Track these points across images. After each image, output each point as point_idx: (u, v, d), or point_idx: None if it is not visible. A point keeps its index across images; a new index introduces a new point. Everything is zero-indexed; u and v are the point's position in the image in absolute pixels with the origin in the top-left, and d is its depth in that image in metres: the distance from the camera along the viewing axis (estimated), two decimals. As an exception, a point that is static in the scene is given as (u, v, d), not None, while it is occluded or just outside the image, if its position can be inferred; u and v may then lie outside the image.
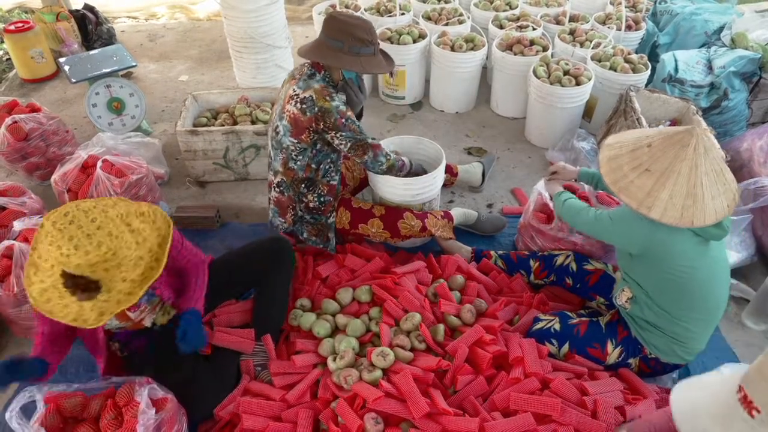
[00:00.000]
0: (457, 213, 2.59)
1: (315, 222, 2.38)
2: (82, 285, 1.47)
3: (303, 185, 2.28)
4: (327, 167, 2.27)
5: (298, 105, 2.08)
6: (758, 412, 0.97)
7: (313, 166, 2.23)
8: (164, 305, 1.86)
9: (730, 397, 1.06)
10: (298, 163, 2.21)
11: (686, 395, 1.21)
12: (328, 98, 2.07)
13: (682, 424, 1.14)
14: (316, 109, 2.06)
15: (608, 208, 2.04)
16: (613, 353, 1.96)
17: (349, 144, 2.14)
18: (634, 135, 1.75)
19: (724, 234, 1.73)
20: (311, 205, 2.33)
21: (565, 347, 2.00)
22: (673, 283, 1.76)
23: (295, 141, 2.15)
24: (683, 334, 1.83)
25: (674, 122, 3.05)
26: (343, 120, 2.09)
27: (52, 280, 1.46)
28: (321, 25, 3.92)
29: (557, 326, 2.02)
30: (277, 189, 2.33)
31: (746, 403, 1.00)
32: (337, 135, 2.11)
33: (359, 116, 2.40)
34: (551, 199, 2.27)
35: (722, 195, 1.64)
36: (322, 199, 2.33)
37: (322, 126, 2.09)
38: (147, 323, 1.83)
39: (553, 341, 2.01)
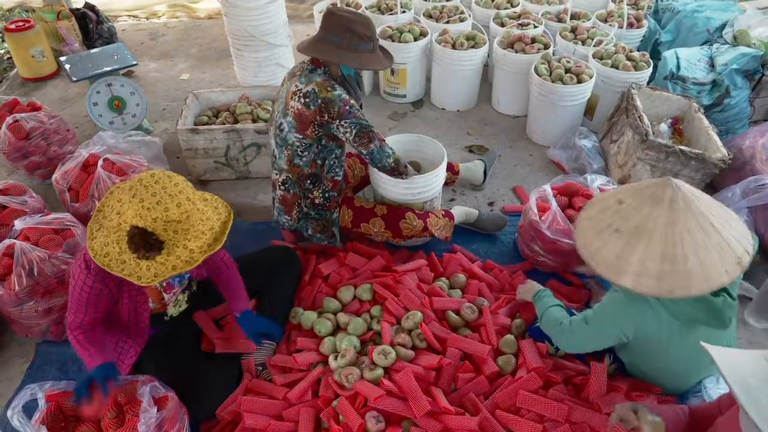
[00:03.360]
0: (458, 212, 2.58)
1: (320, 218, 2.38)
2: (145, 244, 1.55)
3: (308, 181, 2.28)
4: (332, 163, 2.27)
5: (302, 100, 2.08)
6: None
7: (318, 162, 2.23)
8: (186, 290, 1.98)
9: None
10: (304, 159, 2.21)
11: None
12: (330, 88, 2.07)
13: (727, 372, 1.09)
14: (320, 100, 2.06)
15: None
16: (609, 367, 1.91)
17: (354, 131, 2.11)
18: (609, 193, 1.57)
19: (720, 324, 1.51)
20: (317, 201, 2.33)
21: (562, 352, 1.99)
22: (643, 348, 1.73)
23: (300, 137, 2.15)
24: (678, 373, 1.83)
25: (676, 120, 3.05)
26: (347, 107, 2.09)
27: (116, 237, 1.55)
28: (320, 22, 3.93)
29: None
30: (282, 187, 2.33)
31: None
32: (342, 123, 2.10)
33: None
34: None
35: (717, 258, 1.37)
36: (326, 195, 2.32)
37: (326, 117, 2.09)
38: (170, 309, 1.93)
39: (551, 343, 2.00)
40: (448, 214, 2.49)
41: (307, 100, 2.07)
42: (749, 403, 1.02)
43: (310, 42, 2.15)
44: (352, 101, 2.13)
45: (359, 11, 2.18)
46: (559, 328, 1.82)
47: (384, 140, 2.21)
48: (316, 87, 2.07)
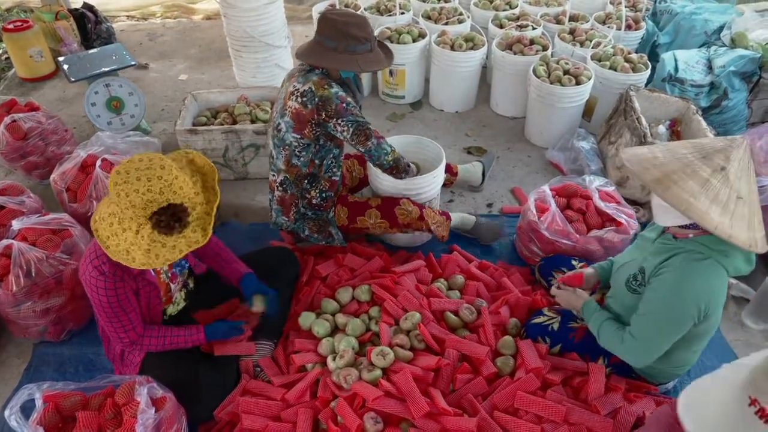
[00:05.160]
0: (456, 215, 2.56)
1: (317, 218, 2.38)
2: (172, 218, 1.54)
3: (306, 181, 2.28)
4: (329, 162, 2.27)
5: (299, 99, 2.09)
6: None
7: (317, 161, 2.23)
8: (183, 287, 1.98)
9: (740, 409, 0.99)
10: (302, 159, 2.21)
11: (692, 400, 1.09)
12: (326, 86, 2.08)
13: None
14: (317, 99, 2.06)
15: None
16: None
17: (351, 129, 2.11)
18: (675, 160, 1.51)
19: (751, 264, 1.62)
20: (314, 201, 2.33)
21: (557, 349, 1.99)
22: (693, 334, 1.67)
23: (298, 137, 2.15)
24: (682, 362, 1.83)
25: (674, 122, 3.05)
26: (344, 105, 2.08)
27: (147, 241, 1.53)
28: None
29: (555, 326, 2.01)
30: (280, 188, 2.33)
31: (765, 415, 0.96)
32: (339, 122, 2.10)
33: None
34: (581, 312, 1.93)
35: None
36: (323, 195, 2.32)
37: (323, 116, 2.08)
38: (169, 308, 1.93)
39: (546, 339, 2.00)
40: (445, 214, 2.49)
41: (305, 99, 2.07)
42: None
43: (307, 48, 2.14)
44: (349, 99, 2.13)
45: (356, 12, 2.16)
46: (622, 345, 1.71)
47: (382, 137, 2.21)
48: (313, 86, 2.07)
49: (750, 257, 1.61)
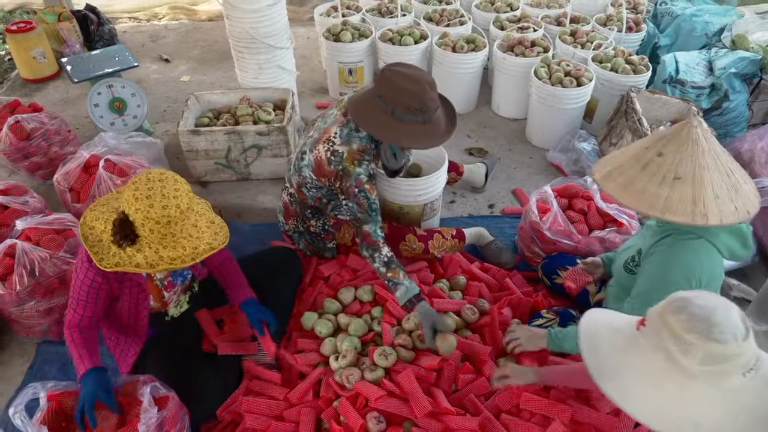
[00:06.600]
0: (470, 232, 2.51)
1: (312, 242, 2.39)
2: (122, 232, 1.54)
3: (309, 211, 2.28)
4: (337, 203, 2.25)
5: (328, 154, 2.02)
6: (643, 325, 1.09)
7: (324, 200, 2.23)
8: (188, 290, 1.97)
9: (629, 322, 1.16)
10: (311, 193, 2.20)
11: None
12: (356, 162, 1.97)
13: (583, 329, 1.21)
14: (341, 167, 2.01)
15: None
16: None
17: (349, 216, 2.09)
18: (627, 154, 1.57)
19: (748, 249, 1.61)
20: (312, 229, 2.33)
21: None
22: None
23: (315, 178, 2.13)
24: None
25: (675, 123, 3.06)
26: (356, 190, 2.00)
27: (107, 216, 1.59)
28: (321, 25, 3.93)
29: (555, 327, 2.00)
30: (288, 197, 2.33)
31: (639, 322, 1.11)
32: (348, 201, 2.08)
33: (397, 172, 2.31)
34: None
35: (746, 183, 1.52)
36: (326, 228, 2.32)
37: (338, 184, 2.07)
38: (171, 309, 1.93)
39: None
40: (459, 235, 2.43)
41: (333, 158, 2.01)
42: (587, 344, 1.16)
43: (360, 99, 1.99)
44: (367, 186, 1.99)
45: (423, 74, 1.97)
46: None
47: (375, 242, 2.01)
48: (346, 153, 1.98)
49: (745, 240, 1.61)
